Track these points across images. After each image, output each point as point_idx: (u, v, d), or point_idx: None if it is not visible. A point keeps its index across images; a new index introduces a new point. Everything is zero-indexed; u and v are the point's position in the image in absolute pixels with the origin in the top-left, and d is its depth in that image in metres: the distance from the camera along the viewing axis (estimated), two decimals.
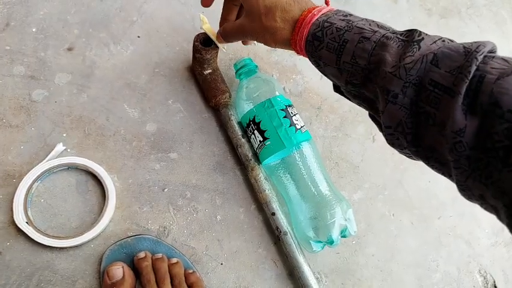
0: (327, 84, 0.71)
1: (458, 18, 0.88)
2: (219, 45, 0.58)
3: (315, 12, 0.40)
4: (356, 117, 0.70)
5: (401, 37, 0.35)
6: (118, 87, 0.61)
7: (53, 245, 0.50)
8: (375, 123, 0.42)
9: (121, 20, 0.65)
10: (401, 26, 0.81)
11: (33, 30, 0.61)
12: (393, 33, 0.36)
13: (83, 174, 0.55)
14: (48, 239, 0.50)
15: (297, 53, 0.44)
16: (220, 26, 0.54)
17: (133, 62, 0.63)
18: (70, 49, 0.62)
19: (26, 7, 0.62)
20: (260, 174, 0.58)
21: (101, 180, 0.54)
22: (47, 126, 0.57)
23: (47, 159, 0.54)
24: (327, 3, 0.45)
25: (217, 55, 0.60)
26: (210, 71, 0.62)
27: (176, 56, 0.65)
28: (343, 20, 0.39)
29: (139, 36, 0.65)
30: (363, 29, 0.37)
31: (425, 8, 0.86)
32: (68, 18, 0.63)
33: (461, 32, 0.85)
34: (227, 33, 0.51)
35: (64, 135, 0.57)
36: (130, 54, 0.63)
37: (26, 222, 0.50)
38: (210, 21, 0.55)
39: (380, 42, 0.36)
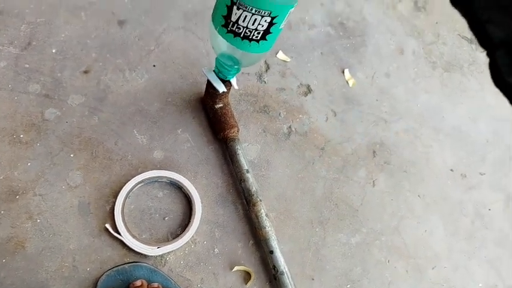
0: (332, 126, 0.73)
1: (460, 73, 0.91)
2: (233, 82, 0.60)
3: None
4: (358, 161, 0.71)
5: None
6: (130, 112, 0.62)
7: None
8: None
9: (139, 48, 0.68)
10: (406, 76, 0.84)
11: (53, 51, 0.63)
12: None
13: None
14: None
15: None
16: None
17: (147, 90, 0.65)
18: (86, 72, 0.64)
19: (49, 29, 0.64)
20: (261, 210, 0.58)
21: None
22: (55, 146, 0.57)
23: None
24: None
25: (229, 91, 0.62)
26: (221, 105, 0.63)
27: (189, 88, 0.67)
28: None
29: (154, 66, 0.67)
30: None
31: (429, 61, 0.89)
32: (87, 42, 0.66)
33: (463, 87, 0.89)
34: None
35: (72, 155, 0.57)
36: (145, 82, 0.65)
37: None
38: None
39: None
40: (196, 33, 0.72)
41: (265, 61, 0.75)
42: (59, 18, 0.65)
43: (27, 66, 0.61)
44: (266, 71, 0.75)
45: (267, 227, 0.58)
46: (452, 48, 0.93)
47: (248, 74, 0.73)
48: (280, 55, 0.77)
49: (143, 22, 0.70)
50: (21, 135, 0.57)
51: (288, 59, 0.77)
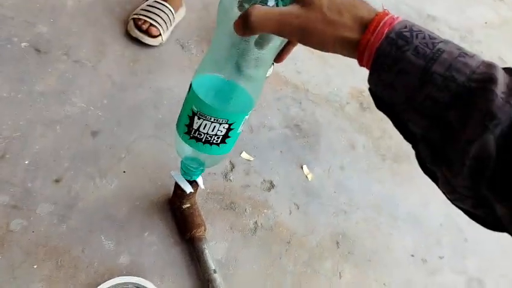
0: (296, 219, 0.77)
1: (407, 163, 1.01)
2: (199, 183, 0.64)
3: (394, 16, 0.35)
4: (323, 253, 0.74)
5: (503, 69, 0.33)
6: (98, 218, 0.64)
7: None
8: (435, 165, 0.35)
9: (110, 156, 0.72)
10: (359, 168, 0.92)
11: (26, 162, 0.66)
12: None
13: None
14: None
15: (359, 60, 0.36)
16: None
17: (116, 196, 0.67)
18: (57, 181, 0.66)
19: (23, 141, 0.68)
20: None
21: None
22: (18, 258, 0.57)
23: None
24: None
25: (196, 191, 0.66)
26: (188, 205, 0.67)
27: (158, 191, 0.70)
28: (431, 32, 0.34)
29: (124, 172, 0.71)
30: (461, 47, 0.33)
31: (379, 154, 0.99)
32: (60, 153, 0.70)
33: (412, 175, 0.97)
34: (259, 21, 0.37)
35: (35, 266, 0.57)
36: (114, 188, 0.68)
37: None
38: None
39: (486, 63, 0.32)
40: (165, 140, 0.78)
41: (230, 161, 0.81)
42: (34, 132, 0.70)
43: None
44: (231, 170, 0.80)
45: None
46: (397, 141, 1.04)
47: (214, 173, 0.78)
48: (244, 155, 0.83)
49: (116, 132, 0.75)
50: None
51: (251, 158, 0.83)
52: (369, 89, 0.38)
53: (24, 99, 0.74)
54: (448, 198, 0.36)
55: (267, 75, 0.98)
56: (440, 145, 0.34)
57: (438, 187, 0.37)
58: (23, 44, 0.82)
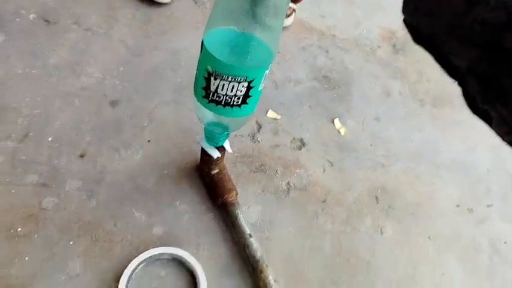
0: (330, 176, 0.73)
1: (450, 107, 0.93)
2: (226, 147, 0.61)
3: None
4: (362, 209, 0.70)
5: None
6: (127, 191, 0.62)
7: None
8: (487, 103, 0.30)
9: (132, 125, 0.69)
10: (396, 116, 0.86)
11: (50, 139, 0.65)
12: None
13: None
14: None
15: None
16: None
17: (142, 166, 0.65)
18: (81, 156, 0.65)
19: (45, 118, 0.66)
20: (269, 277, 0.56)
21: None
22: (54, 235, 0.57)
23: None
24: None
25: (224, 155, 0.63)
26: (217, 170, 0.64)
27: (184, 157, 0.68)
28: None
29: (149, 141, 0.68)
30: None
31: (417, 99, 0.91)
32: (81, 127, 0.68)
33: (455, 120, 0.90)
34: None
35: (71, 243, 0.57)
36: (140, 158, 0.66)
37: None
38: None
39: None
40: (186, 104, 0.74)
41: (257, 121, 0.77)
42: (53, 107, 0.68)
43: (23, 158, 0.62)
44: (258, 130, 0.76)
45: None
46: (437, 83, 0.95)
47: (241, 135, 0.75)
48: (270, 113, 0.79)
49: (135, 100, 0.72)
50: (19, 229, 0.56)
51: (278, 116, 0.78)
52: (404, 20, 0.32)
53: (39, 74, 0.72)
54: (504, 140, 0.31)
55: (288, 25, 0.90)
56: (493, 78, 0.29)
57: (492, 128, 0.32)
58: (31, 16, 0.78)
